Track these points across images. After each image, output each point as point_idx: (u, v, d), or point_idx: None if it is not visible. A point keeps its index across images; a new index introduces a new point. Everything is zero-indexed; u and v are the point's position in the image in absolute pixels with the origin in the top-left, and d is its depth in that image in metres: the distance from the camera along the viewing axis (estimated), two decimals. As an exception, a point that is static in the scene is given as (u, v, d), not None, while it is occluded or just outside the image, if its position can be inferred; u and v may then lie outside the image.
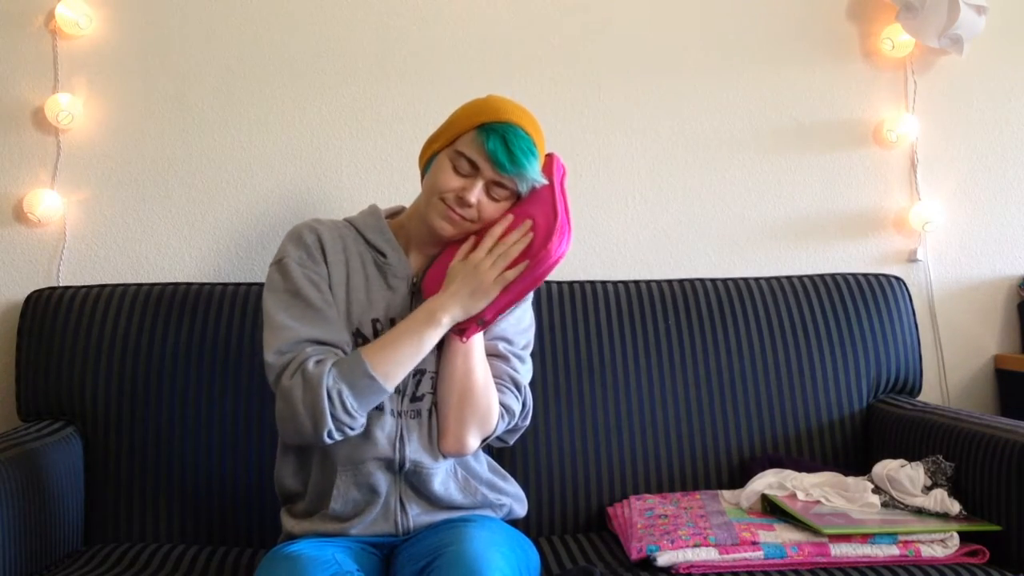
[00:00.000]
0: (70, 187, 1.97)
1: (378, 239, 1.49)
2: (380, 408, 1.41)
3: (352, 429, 1.35)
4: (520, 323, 1.53)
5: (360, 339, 1.43)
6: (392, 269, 1.47)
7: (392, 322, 1.44)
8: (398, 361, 1.36)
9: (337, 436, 1.34)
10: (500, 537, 1.34)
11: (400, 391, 1.43)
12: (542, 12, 2.06)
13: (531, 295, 1.51)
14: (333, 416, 1.32)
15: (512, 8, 2.06)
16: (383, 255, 1.48)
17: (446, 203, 1.40)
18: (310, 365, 1.33)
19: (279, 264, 1.45)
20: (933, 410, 1.74)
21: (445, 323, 1.38)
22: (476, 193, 1.39)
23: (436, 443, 1.43)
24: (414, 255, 1.50)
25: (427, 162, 1.47)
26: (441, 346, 1.44)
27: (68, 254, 1.97)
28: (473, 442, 1.44)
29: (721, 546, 1.44)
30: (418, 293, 1.47)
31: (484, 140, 1.37)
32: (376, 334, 1.43)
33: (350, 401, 1.32)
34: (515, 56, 2.05)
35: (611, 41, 2.08)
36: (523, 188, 1.42)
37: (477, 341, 1.44)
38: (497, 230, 1.41)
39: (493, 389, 1.45)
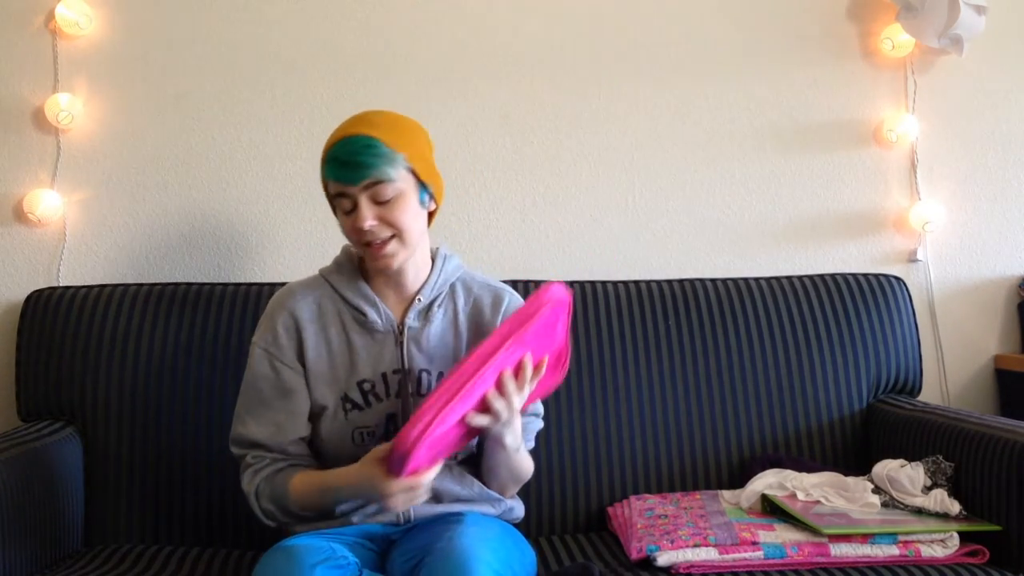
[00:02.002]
0: (70, 187, 1.98)
1: (355, 296, 1.48)
2: (373, 433, 1.46)
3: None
4: None
5: (348, 403, 1.45)
6: (374, 324, 1.48)
7: (384, 377, 1.46)
8: (322, 507, 1.41)
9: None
10: (491, 533, 1.34)
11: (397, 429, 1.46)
12: (542, 12, 2.06)
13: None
14: (277, 521, 1.44)
15: (512, 9, 2.06)
16: (363, 313, 1.48)
17: (363, 244, 1.41)
18: (244, 480, 1.45)
19: (251, 347, 1.51)
20: (933, 410, 1.74)
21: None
22: (364, 217, 1.37)
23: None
24: (392, 297, 1.50)
25: None
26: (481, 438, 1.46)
27: (68, 254, 1.97)
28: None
29: (721, 546, 1.44)
30: (410, 342, 1.47)
31: (328, 172, 1.39)
32: (364, 395, 1.45)
33: (284, 519, 1.43)
34: (515, 56, 2.05)
35: (611, 41, 2.08)
36: (394, 175, 1.37)
37: (517, 449, 1.43)
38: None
39: (529, 458, 1.50)
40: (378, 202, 1.38)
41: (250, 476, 1.44)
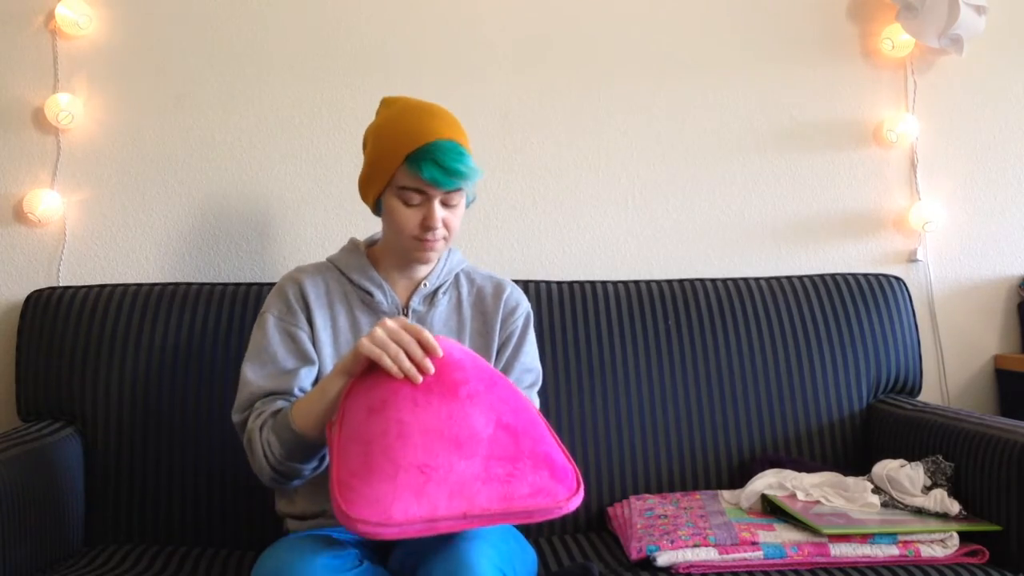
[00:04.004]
0: (70, 187, 1.98)
1: (362, 279, 1.52)
2: None
3: (292, 479, 1.39)
4: (530, 361, 1.56)
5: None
6: (379, 305, 1.51)
7: None
8: (308, 411, 1.33)
9: (285, 484, 1.41)
10: (493, 532, 1.34)
11: None
12: (543, 12, 2.06)
13: None
14: (272, 467, 1.37)
15: (513, 9, 2.06)
16: (369, 294, 1.51)
17: (417, 238, 1.44)
18: (250, 421, 1.42)
19: (260, 317, 1.52)
20: (933, 410, 1.74)
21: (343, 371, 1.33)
22: (437, 219, 1.43)
23: None
24: (400, 283, 1.54)
25: (375, 204, 1.49)
26: None
27: (68, 254, 1.97)
28: None
29: (721, 546, 1.44)
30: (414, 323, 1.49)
31: (418, 171, 1.39)
32: None
33: (278, 453, 1.35)
34: (516, 56, 2.05)
35: (612, 41, 2.08)
36: (472, 186, 1.46)
37: None
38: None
39: None
40: (447, 205, 1.45)
41: (254, 417, 1.41)
